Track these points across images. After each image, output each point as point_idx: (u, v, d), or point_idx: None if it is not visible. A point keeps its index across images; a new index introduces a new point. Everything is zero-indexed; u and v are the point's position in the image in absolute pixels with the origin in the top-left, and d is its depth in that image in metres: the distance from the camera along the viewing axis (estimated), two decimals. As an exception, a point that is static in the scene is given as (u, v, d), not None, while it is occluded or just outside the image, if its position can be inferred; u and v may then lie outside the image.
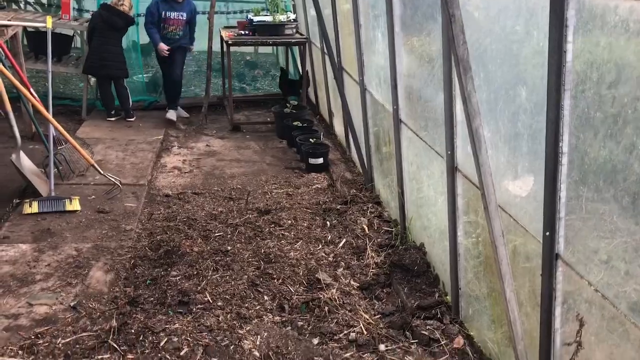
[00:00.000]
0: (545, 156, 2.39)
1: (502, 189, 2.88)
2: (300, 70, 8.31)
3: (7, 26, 6.17)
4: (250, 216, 5.20)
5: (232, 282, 4.05)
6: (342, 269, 4.31)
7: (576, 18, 2.17)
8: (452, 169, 3.40)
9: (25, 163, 5.43)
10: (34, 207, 5.11)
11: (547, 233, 2.44)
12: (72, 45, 9.02)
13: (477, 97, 2.70)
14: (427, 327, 3.59)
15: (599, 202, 2.22)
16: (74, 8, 8.80)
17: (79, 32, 9.02)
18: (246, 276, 4.13)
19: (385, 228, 4.88)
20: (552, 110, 2.31)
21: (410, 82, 4.21)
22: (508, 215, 2.84)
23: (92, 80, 8.34)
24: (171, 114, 7.94)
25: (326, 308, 3.80)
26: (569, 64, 2.22)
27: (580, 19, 2.16)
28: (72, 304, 3.84)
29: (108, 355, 3.32)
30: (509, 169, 2.86)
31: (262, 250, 4.50)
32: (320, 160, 6.43)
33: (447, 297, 3.82)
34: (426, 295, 3.92)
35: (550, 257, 2.45)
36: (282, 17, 7.67)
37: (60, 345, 3.40)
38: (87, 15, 8.68)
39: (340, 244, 4.67)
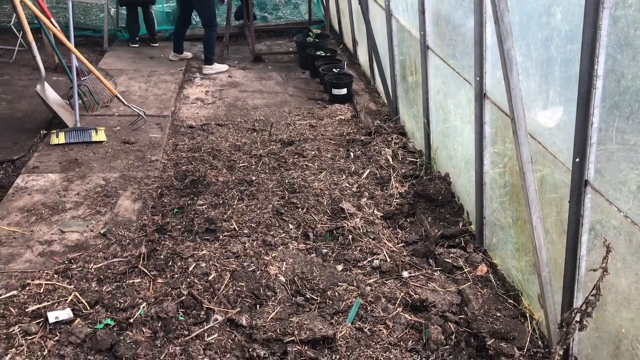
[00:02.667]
0: (579, 79, 2.31)
1: (531, 116, 2.80)
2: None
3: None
4: (274, 147, 5.20)
5: (258, 211, 4.10)
6: (365, 198, 4.32)
7: None
8: (481, 96, 3.31)
9: (50, 94, 5.46)
10: (60, 138, 5.18)
11: (577, 159, 2.39)
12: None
13: (510, 18, 2.58)
14: (451, 255, 3.62)
15: (633, 128, 2.14)
16: None
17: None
18: (271, 205, 4.18)
19: (409, 159, 4.85)
20: (588, 30, 2.20)
21: (438, 7, 4.05)
22: (537, 143, 2.78)
23: (112, 10, 8.24)
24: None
25: (350, 236, 3.85)
26: (610, -20, 2.09)
27: None
28: (102, 231, 3.94)
29: (139, 280, 3.42)
30: (540, 95, 2.78)
31: (287, 181, 4.52)
32: (344, 91, 6.34)
33: (471, 226, 3.83)
34: (450, 225, 3.93)
35: (579, 184, 2.41)
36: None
37: (92, 270, 3.52)
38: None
39: (364, 175, 4.66)
